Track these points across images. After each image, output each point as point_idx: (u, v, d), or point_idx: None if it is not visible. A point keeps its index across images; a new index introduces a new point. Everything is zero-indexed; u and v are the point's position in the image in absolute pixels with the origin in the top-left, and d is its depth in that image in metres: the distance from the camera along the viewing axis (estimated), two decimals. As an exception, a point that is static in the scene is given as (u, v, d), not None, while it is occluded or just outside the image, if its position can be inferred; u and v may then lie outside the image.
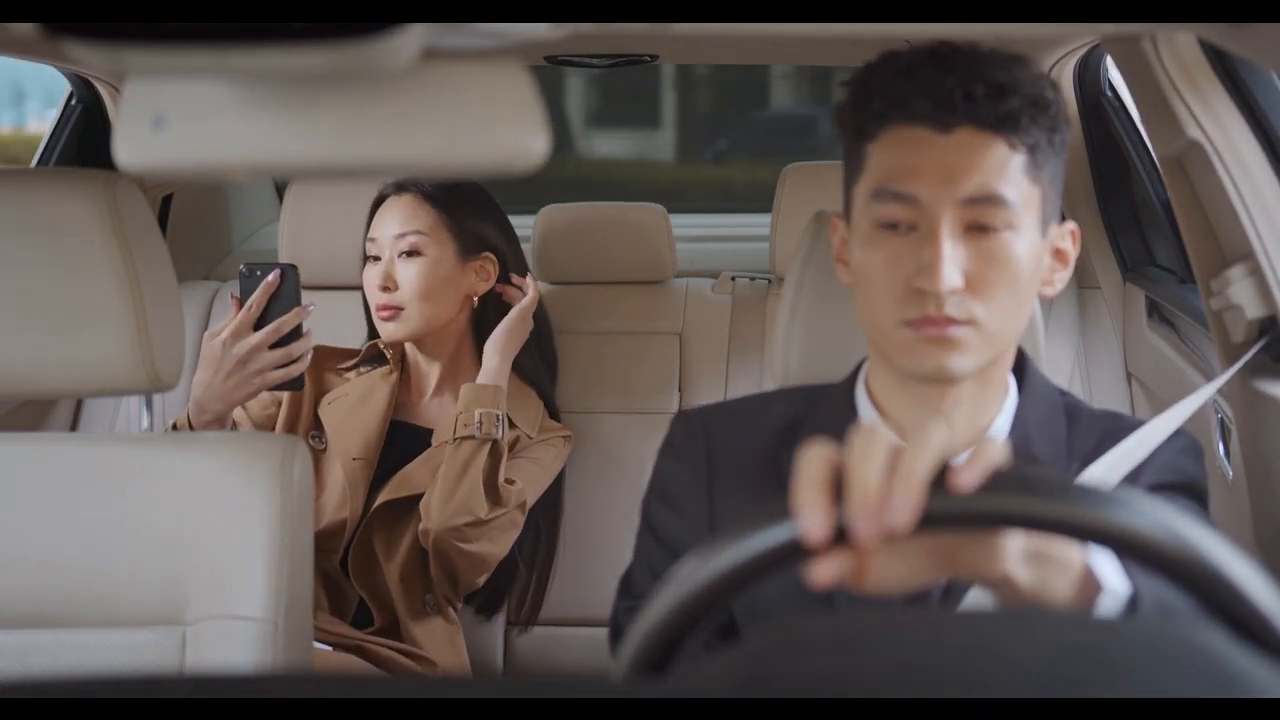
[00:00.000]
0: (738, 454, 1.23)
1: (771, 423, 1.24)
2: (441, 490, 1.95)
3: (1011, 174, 1.08)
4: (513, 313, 2.08)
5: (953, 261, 1.07)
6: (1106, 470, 1.16)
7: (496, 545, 2.02)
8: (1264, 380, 1.55)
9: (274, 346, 1.77)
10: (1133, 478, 1.16)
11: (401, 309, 2.03)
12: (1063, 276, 1.18)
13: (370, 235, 2.08)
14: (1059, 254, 1.17)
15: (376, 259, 2.06)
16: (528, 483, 2.08)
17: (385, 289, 2.03)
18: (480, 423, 1.96)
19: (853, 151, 1.15)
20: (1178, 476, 1.17)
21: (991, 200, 1.08)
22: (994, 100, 1.07)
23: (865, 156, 1.13)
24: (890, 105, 1.10)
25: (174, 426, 1.83)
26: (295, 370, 1.79)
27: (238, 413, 2.02)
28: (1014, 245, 1.09)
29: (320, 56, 0.67)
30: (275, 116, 0.79)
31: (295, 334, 1.79)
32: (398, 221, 2.05)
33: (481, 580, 2.07)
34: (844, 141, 1.17)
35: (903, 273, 1.09)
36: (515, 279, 2.14)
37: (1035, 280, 1.13)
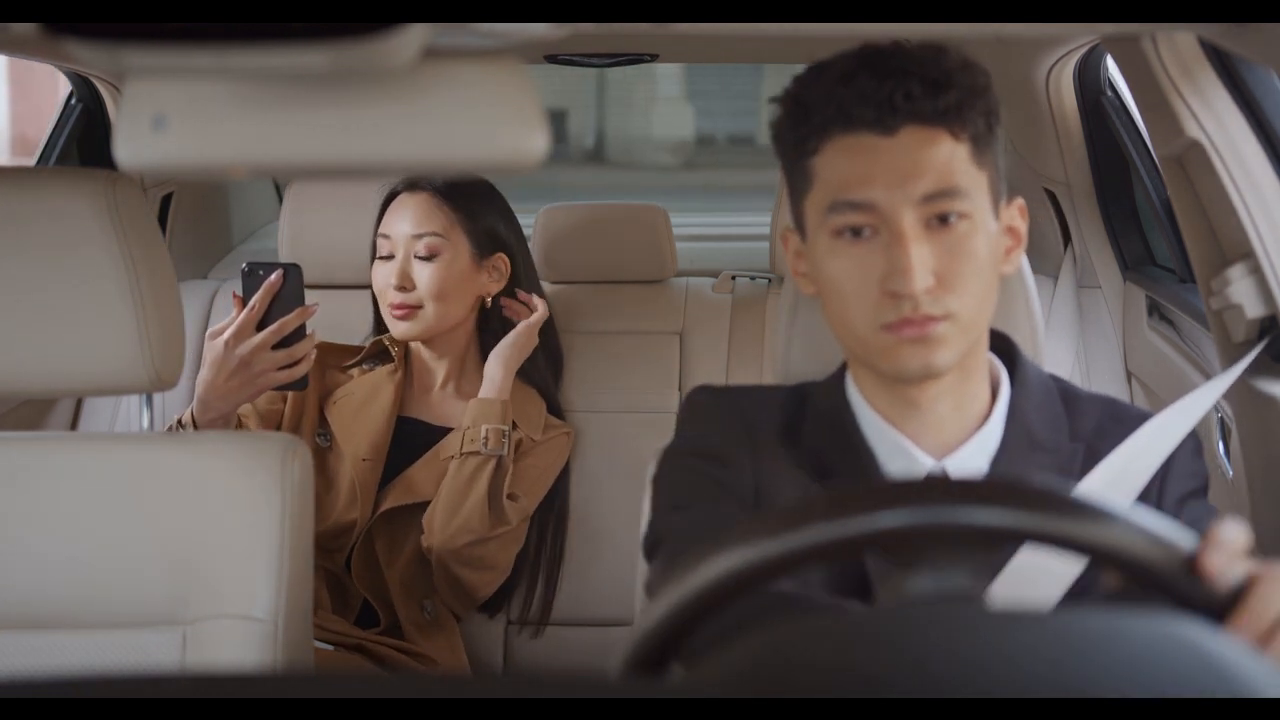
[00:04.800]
0: (763, 433, 1.23)
1: (774, 416, 1.24)
2: (445, 506, 1.95)
3: (960, 164, 1.10)
4: (519, 328, 2.07)
5: (921, 261, 1.07)
6: (1118, 471, 1.17)
7: (500, 560, 2.04)
8: (1264, 380, 1.55)
9: (277, 346, 1.77)
10: (1159, 490, 1.18)
11: (418, 308, 2.02)
12: (1018, 254, 1.19)
13: (383, 232, 2.06)
14: (1012, 232, 1.18)
15: (389, 256, 2.04)
16: (532, 485, 2.07)
17: (402, 288, 2.01)
18: (487, 439, 1.97)
19: (795, 167, 1.16)
20: (1199, 482, 1.20)
21: (947, 193, 1.09)
22: (933, 96, 1.08)
23: (811, 171, 1.13)
24: (831, 117, 1.10)
25: (178, 423, 1.83)
26: (299, 371, 1.79)
27: (244, 407, 2.01)
28: (974, 234, 1.10)
29: (320, 56, 0.67)
30: (275, 116, 0.79)
31: (298, 334, 1.78)
32: (412, 222, 2.03)
33: (487, 594, 2.07)
34: (783, 159, 1.17)
35: (873, 278, 1.09)
36: (522, 295, 2.13)
37: (997, 263, 1.14)
